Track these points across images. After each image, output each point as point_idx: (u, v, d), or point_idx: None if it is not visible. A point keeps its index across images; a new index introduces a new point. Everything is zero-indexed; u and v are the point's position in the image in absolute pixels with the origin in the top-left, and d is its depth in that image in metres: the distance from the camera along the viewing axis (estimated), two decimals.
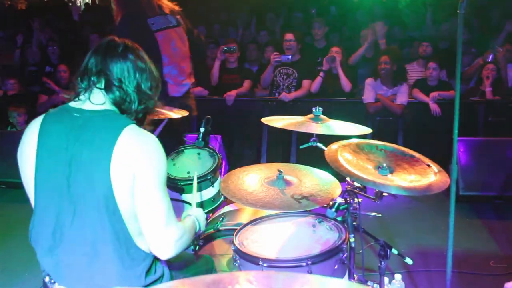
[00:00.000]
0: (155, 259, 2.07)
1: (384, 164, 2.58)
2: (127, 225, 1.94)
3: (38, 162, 1.96)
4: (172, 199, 3.39)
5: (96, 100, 1.99)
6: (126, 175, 1.89)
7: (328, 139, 2.84)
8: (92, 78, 1.98)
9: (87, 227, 1.92)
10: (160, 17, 4.05)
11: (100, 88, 1.98)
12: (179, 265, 2.36)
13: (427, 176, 2.56)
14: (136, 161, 1.90)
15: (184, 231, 2.06)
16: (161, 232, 1.95)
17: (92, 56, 2.02)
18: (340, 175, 2.65)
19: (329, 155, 2.62)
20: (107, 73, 1.97)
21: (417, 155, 2.74)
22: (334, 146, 2.72)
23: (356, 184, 2.70)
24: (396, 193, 2.46)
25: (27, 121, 6.17)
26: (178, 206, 3.28)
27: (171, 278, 2.19)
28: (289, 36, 6.31)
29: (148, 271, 2.03)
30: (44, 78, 6.68)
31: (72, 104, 2.02)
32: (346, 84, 6.18)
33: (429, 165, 2.63)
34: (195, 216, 2.29)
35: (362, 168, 2.56)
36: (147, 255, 2.02)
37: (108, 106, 2.00)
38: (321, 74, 6.19)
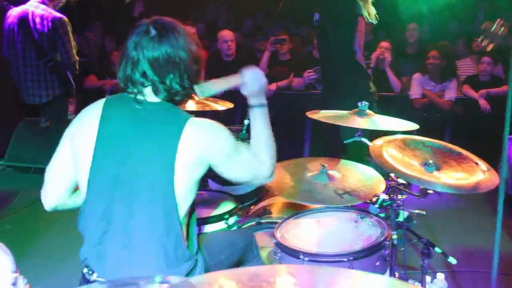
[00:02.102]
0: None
1: (431, 161, 2.54)
2: (180, 218, 1.96)
3: (97, 149, 1.97)
4: (213, 190, 3.44)
5: (151, 98, 2.01)
6: (196, 165, 1.95)
7: (374, 135, 2.81)
8: (141, 80, 1.97)
9: (140, 220, 1.93)
10: None
11: (154, 88, 1.99)
12: (215, 247, 2.37)
13: (475, 174, 2.50)
14: (207, 148, 1.95)
15: (265, 155, 2.11)
16: (258, 177, 2.11)
17: (131, 52, 1.97)
18: (384, 171, 2.62)
19: (373, 150, 2.60)
20: (152, 79, 1.96)
21: (464, 152, 2.68)
22: (379, 141, 2.69)
23: (400, 181, 2.66)
24: (442, 191, 2.41)
25: (77, 111, 6.37)
26: (219, 196, 3.31)
27: (204, 262, 2.20)
28: None
29: (189, 271, 2.04)
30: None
31: (131, 93, 2.01)
32: (396, 83, 6.02)
33: (477, 163, 2.57)
34: (256, 109, 2.16)
35: (407, 165, 2.53)
36: (191, 256, 2.04)
37: (163, 98, 2.01)
38: (369, 71, 6.03)
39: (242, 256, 2.48)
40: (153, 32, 1.96)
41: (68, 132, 2.08)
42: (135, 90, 2.00)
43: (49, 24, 4.84)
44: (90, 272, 1.99)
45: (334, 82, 4.41)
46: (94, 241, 1.99)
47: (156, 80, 1.96)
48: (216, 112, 3.79)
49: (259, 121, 2.14)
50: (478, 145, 5.18)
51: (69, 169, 2.08)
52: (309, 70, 6.02)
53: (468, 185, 2.41)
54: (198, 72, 2.07)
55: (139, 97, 2.00)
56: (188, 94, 2.08)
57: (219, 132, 2.02)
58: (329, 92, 4.53)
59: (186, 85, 2.02)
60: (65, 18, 4.94)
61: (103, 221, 1.97)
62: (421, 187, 2.56)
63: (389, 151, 2.60)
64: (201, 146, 1.95)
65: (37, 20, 4.84)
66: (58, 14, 4.91)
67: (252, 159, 2.09)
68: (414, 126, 2.95)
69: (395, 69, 6.36)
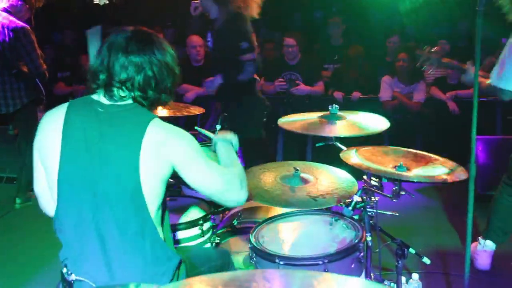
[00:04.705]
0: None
1: (401, 162, 2.57)
2: (152, 216, 1.96)
3: (63, 153, 1.96)
4: (187, 196, 3.43)
5: (115, 99, 2.00)
6: (160, 165, 1.94)
7: (345, 138, 2.83)
8: (102, 77, 1.99)
9: (111, 221, 1.93)
10: None
11: (108, 86, 2.00)
12: (196, 259, 2.37)
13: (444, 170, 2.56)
14: (170, 150, 1.95)
15: (235, 169, 2.15)
16: (226, 192, 2.07)
17: (103, 51, 2.01)
18: (357, 173, 2.63)
19: (345, 155, 2.63)
20: (112, 76, 1.98)
21: (441, 159, 2.73)
22: (351, 150, 2.73)
23: (373, 183, 2.69)
24: (416, 180, 2.46)
25: None
26: (193, 202, 3.29)
27: (186, 272, 2.20)
28: (289, 41, 6.06)
29: (172, 273, 2.03)
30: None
31: (94, 96, 2.04)
32: None
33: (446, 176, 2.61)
34: (220, 142, 2.36)
35: (380, 164, 2.56)
36: (173, 255, 2.04)
37: (129, 100, 2.01)
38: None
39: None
40: (129, 36, 2.00)
41: (35, 142, 2.07)
42: (97, 83, 2.01)
43: (10, 33, 4.72)
44: (69, 272, 1.99)
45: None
46: (71, 245, 2.00)
47: (115, 78, 1.97)
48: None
49: (224, 151, 2.30)
50: (447, 146, 5.28)
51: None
52: (280, 79, 6.06)
53: (438, 177, 2.47)
54: (168, 83, 2.07)
55: (96, 97, 2.02)
56: (148, 98, 2.04)
57: (182, 133, 2.02)
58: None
59: (145, 89, 2.01)
60: (28, 27, 4.82)
61: (76, 225, 1.97)
62: (394, 188, 2.59)
63: (361, 154, 2.63)
64: (163, 144, 1.94)
65: None
66: (20, 23, 4.79)
67: (223, 169, 2.11)
68: (386, 124, 2.97)
69: (372, 75, 6.43)
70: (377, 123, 2.99)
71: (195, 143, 2.04)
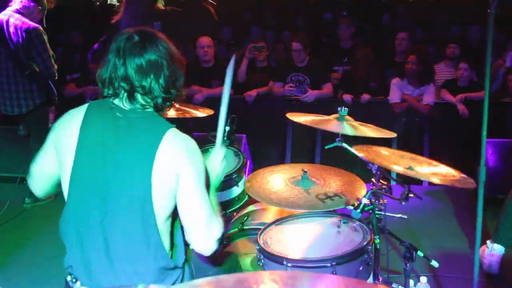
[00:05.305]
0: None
1: (411, 164, 2.56)
2: (158, 227, 1.95)
3: (77, 156, 1.96)
4: None
5: (131, 104, 2.00)
6: (169, 176, 1.92)
7: (354, 141, 2.82)
8: (122, 85, 1.97)
9: (118, 227, 1.93)
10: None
11: (130, 94, 1.99)
12: (203, 263, 2.37)
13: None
14: (180, 162, 1.93)
15: (218, 221, 2.05)
16: (203, 231, 1.97)
17: (114, 57, 1.98)
18: (365, 176, 2.62)
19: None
20: (132, 82, 1.96)
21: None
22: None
23: (382, 186, 2.68)
24: (432, 181, 2.43)
25: (57, 119, 6.30)
26: None
27: (191, 275, 2.19)
28: (296, 45, 6.01)
29: (172, 280, 2.03)
30: None
31: (115, 101, 2.02)
32: None
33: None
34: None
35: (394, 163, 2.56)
36: (176, 266, 2.03)
37: (148, 108, 2.01)
38: None
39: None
40: (136, 38, 1.99)
41: (52, 137, 2.08)
42: (115, 92, 1.99)
43: (23, 34, 4.76)
44: (74, 280, 1.98)
45: None
46: (76, 248, 1.99)
47: (136, 84, 1.96)
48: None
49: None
50: (456, 149, 5.25)
51: (51, 171, 2.11)
52: (290, 84, 6.08)
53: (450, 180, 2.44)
54: (181, 77, 2.07)
55: (116, 101, 2.01)
56: (171, 98, 2.05)
57: (195, 150, 2.01)
58: None
59: (169, 89, 2.01)
60: (40, 28, 4.87)
61: (84, 228, 1.97)
62: (403, 191, 2.57)
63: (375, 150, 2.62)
64: (176, 155, 1.94)
65: (11, 29, 4.77)
66: (32, 24, 4.83)
67: (213, 211, 2.02)
68: (392, 134, 2.97)
69: (380, 77, 6.42)
70: (384, 133, 2.97)
71: (203, 165, 2.02)
